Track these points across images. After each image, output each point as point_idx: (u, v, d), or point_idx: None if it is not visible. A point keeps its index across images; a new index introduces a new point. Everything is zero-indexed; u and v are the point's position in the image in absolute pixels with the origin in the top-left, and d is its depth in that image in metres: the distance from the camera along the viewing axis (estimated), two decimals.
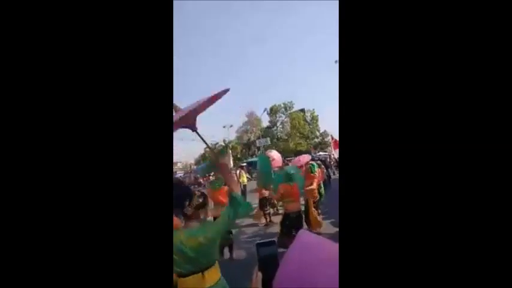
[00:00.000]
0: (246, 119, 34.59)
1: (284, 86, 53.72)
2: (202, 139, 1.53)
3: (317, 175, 4.57)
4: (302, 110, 33.71)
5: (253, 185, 8.84)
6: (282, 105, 34.22)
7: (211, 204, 3.43)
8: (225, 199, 3.52)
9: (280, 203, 4.49)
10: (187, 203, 1.33)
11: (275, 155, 5.51)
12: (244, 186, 8.55)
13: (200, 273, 1.28)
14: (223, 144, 32.89)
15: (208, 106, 1.45)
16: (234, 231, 4.15)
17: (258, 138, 28.16)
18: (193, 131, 1.43)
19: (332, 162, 14.21)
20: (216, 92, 1.30)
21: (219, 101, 1.45)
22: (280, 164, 5.45)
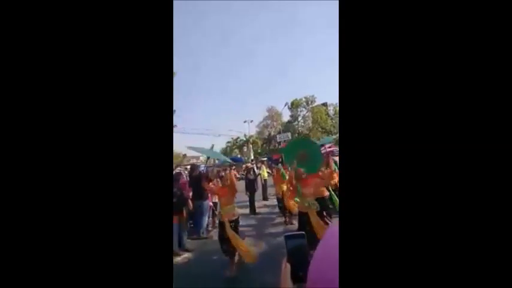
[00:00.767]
0: (266, 113, 34.57)
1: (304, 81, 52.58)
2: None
3: (335, 176, 4.33)
4: (324, 104, 32.90)
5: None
6: (304, 100, 33.64)
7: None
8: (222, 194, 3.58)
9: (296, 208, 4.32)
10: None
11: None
12: (265, 180, 8.55)
13: None
14: (243, 138, 33.25)
15: None
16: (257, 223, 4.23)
17: (279, 133, 27.99)
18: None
19: None
20: None
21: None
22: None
